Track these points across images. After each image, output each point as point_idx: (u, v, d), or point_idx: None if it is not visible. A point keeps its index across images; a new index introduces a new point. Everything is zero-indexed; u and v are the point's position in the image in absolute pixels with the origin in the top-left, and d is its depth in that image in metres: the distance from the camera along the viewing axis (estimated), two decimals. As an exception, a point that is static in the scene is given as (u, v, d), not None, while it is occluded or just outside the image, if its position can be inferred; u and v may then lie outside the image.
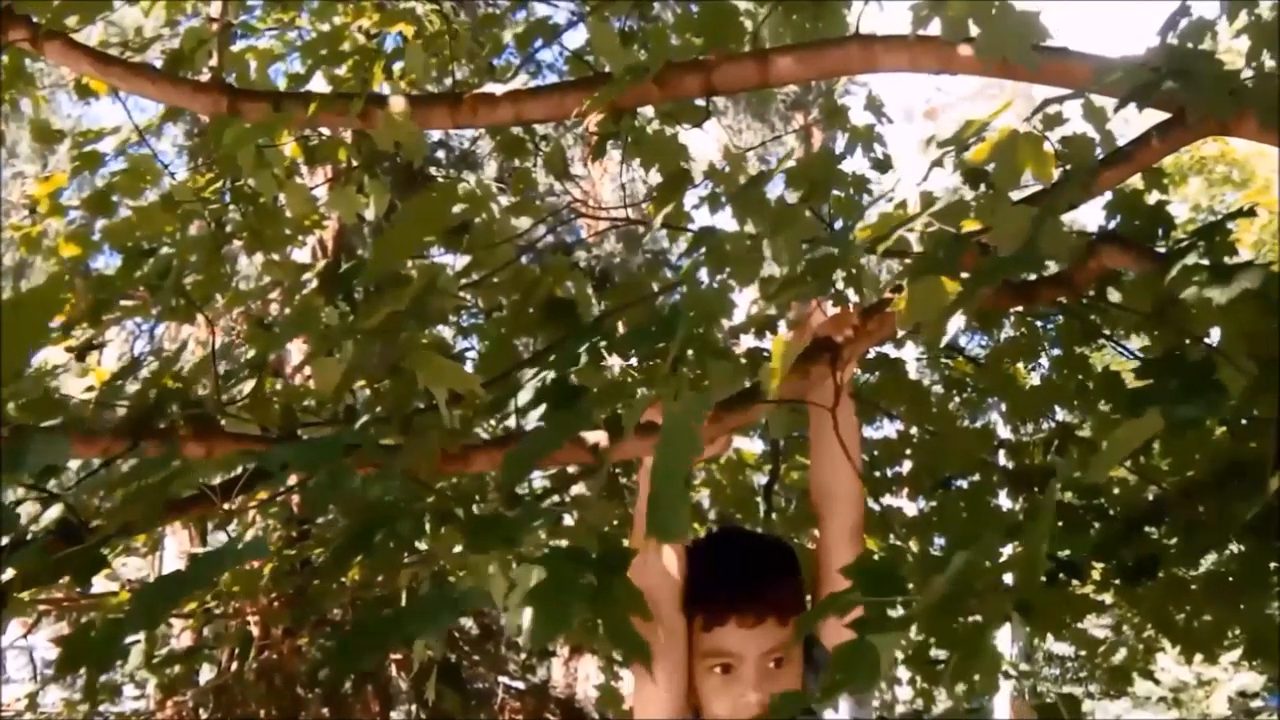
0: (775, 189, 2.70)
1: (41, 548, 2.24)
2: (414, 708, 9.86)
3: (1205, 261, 2.17)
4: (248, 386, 3.33)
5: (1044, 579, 3.68)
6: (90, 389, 3.25)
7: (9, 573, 2.27)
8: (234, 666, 7.83)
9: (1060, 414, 4.25)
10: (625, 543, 2.20)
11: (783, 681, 2.23)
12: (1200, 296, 2.05)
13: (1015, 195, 2.38)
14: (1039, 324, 4.17)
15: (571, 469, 4.01)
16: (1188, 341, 2.38)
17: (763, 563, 2.36)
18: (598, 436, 2.19)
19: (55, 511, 2.40)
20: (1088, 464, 3.88)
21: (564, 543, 4.04)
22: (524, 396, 2.45)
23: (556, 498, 4.12)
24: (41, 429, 2.27)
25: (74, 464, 2.69)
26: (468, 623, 8.84)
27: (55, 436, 2.18)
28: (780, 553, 2.43)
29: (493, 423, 2.96)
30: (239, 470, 2.58)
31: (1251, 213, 2.58)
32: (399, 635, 1.54)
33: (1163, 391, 1.86)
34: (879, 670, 1.33)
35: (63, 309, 3.24)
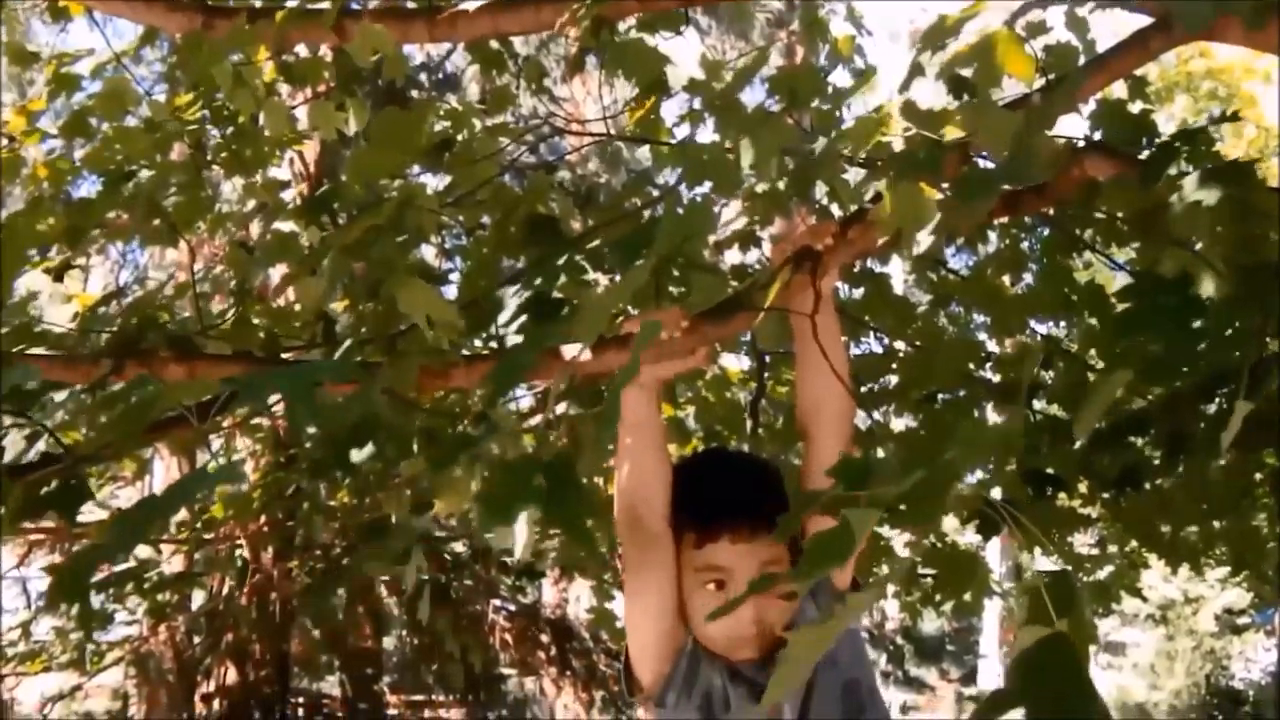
0: (757, 98, 2.68)
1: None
2: (405, 632, 9.94)
3: (1189, 169, 2.16)
4: (230, 311, 3.32)
5: (1030, 492, 3.69)
6: (75, 315, 3.24)
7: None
8: (225, 591, 7.87)
9: (1045, 327, 4.25)
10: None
11: (776, 601, 2.21)
12: (1185, 203, 2.03)
13: (997, 101, 2.36)
14: (1022, 237, 4.16)
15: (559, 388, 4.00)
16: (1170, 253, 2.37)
17: (754, 479, 2.34)
18: (575, 350, 2.18)
19: (42, 445, 2.40)
20: (1071, 377, 3.88)
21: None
22: (505, 314, 2.44)
23: (540, 418, 4.12)
24: (12, 353, 2.25)
25: (59, 395, 2.68)
26: (458, 545, 8.88)
27: (23, 363, 2.17)
28: (770, 471, 2.42)
29: (479, 342, 2.95)
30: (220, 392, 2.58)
31: (1236, 117, 2.57)
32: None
33: (1149, 316, 1.85)
34: (852, 548, 1.32)
35: (42, 238, 3.21)
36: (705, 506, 2.25)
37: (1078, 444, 3.69)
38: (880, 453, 4.21)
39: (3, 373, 2.02)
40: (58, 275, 3.21)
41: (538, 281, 2.41)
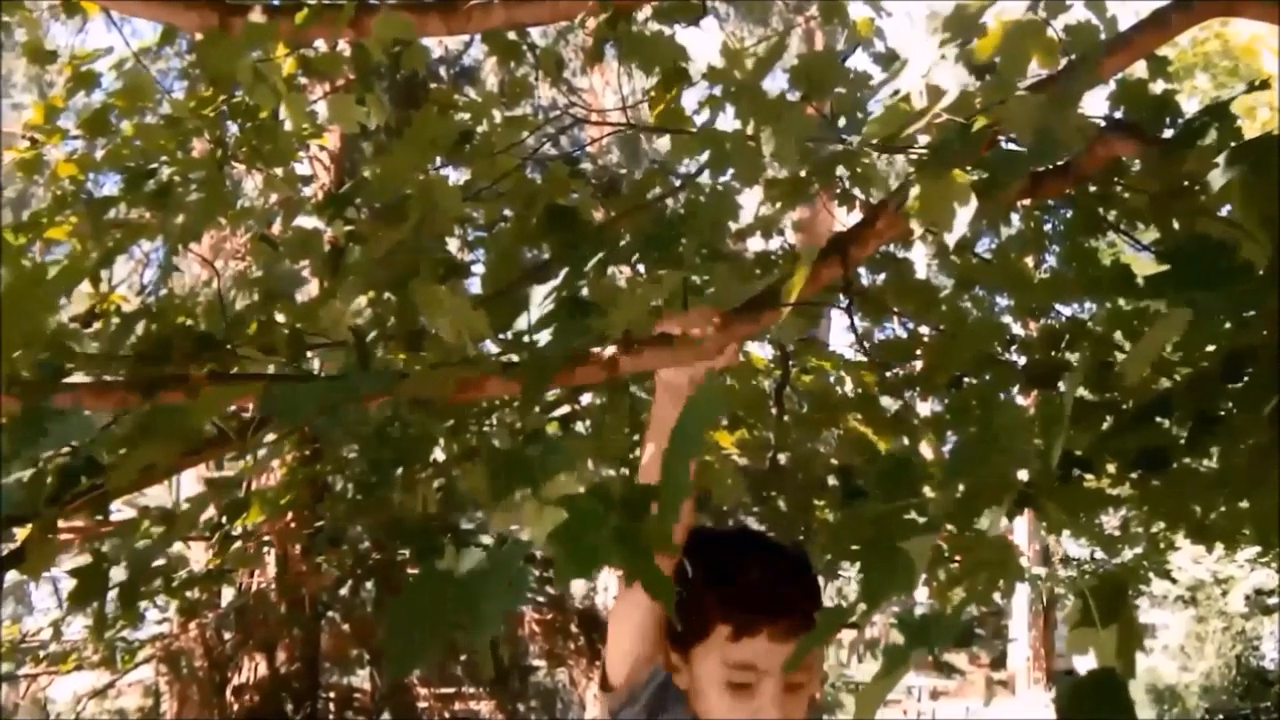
0: (779, 85, 2.67)
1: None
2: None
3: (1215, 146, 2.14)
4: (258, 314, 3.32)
5: (1058, 474, 3.66)
6: (99, 315, 3.24)
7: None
8: (255, 587, 7.90)
9: (1070, 309, 4.23)
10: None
11: (797, 708, 2.17)
12: (1221, 178, 2.01)
13: (1020, 84, 2.34)
14: (1045, 218, 4.13)
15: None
16: (1200, 230, 2.35)
17: (795, 574, 2.26)
18: (610, 352, 2.15)
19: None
20: (1098, 359, 3.85)
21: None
22: (534, 313, 2.43)
23: (566, 407, 4.12)
24: (55, 410, 2.24)
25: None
26: (485, 538, 8.89)
27: (77, 416, 2.16)
28: (806, 564, 2.32)
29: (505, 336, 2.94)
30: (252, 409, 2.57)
31: (1265, 85, 2.54)
32: (466, 610, 1.47)
33: (1184, 277, 1.82)
34: (915, 577, 1.29)
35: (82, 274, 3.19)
36: (748, 599, 2.18)
37: (1105, 424, 3.67)
38: (907, 440, 4.19)
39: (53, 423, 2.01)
40: (85, 322, 3.19)
41: (567, 279, 2.38)
